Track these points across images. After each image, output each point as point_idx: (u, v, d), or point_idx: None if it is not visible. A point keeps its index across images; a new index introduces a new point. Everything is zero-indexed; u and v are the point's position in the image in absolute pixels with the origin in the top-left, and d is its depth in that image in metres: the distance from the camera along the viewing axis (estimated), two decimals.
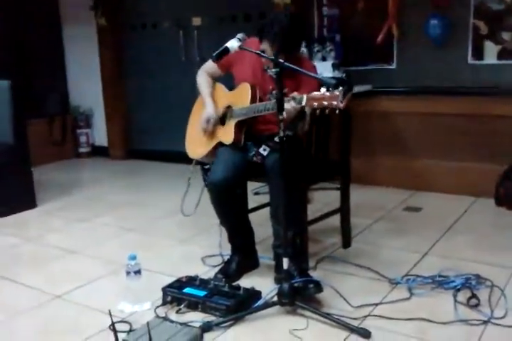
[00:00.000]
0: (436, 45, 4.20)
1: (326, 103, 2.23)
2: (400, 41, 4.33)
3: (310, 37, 4.55)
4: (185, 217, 3.05)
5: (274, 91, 2.69)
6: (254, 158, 2.73)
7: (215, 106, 2.89)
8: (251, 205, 3.25)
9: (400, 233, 3.43)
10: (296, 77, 2.59)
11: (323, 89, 2.25)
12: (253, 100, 2.70)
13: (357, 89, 4.27)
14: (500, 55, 4.05)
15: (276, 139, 2.43)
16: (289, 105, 2.36)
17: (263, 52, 2.59)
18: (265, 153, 2.69)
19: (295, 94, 2.38)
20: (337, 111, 2.24)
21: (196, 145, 2.99)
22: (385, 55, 4.42)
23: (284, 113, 2.33)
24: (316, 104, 2.26)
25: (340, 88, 2.21)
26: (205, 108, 2.89)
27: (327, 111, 2.25)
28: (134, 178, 5.20)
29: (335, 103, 2.20)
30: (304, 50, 4.45)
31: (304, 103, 2.31)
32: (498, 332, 2.25)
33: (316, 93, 2.26)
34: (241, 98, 2.75)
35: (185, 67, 5.24)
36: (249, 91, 2.71)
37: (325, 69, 4.28)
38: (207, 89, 2.95)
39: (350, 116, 3.10)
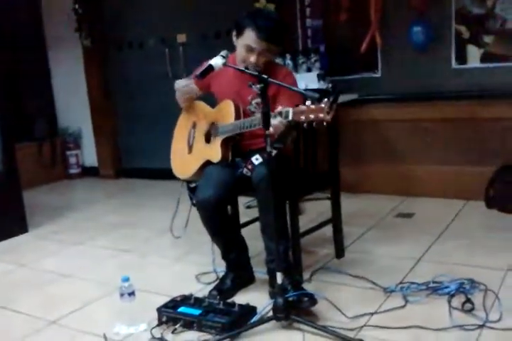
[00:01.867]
0: (420, 51, 4.23)
1: (312, 116, 2.22)
2: (383, 49, 4.36)
3: (294, 48, 4.58)
4: (175, 238, 3.07)
5: (253, 101, 2.72)
6: (245, 170, 2.70)
7: (190, 120, 2.94)
8: (243, 219, 3.26)
9: (392, 240, 3.44)
10: (274, 85, 2.56)
11: (308, 102, 2.25)
12: (237, 117, 2.70)
13: (343, 98, 4.29)
14: (484, 59, 4.08)
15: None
16: (276, 120, 2.34)
17: (247, 47, 2.62)
18: (257, 163, 2.64)
19: (280, 108, 2.36)
20: (324, 123, 2.25)
21: (183, 165, 2.98)
22: (370, 63, 4.46)
23: (271, 128, 2.33)
24: (303, 117, 2.25)
25: (325, 100, 2.21)
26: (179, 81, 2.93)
27: (314, 124, 2.25)
28: (126, 198, 5.20)
29: (321, 115, 2.20)
30: (289, 62, 4.49)
31: (290, 117, 2.30)
32: (493, 335, 2.25)
33: (302, 106, 2.26)
34: (225, 115, 2.75)
35: (172, 85, 5.20)
36: (233, 107, 2.71)
37: (310, 80, 4.29)
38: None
39: (336, 126, 3.11)
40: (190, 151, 2.96)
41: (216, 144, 2.76)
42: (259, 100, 2.57)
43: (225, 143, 2.73)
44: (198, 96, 3.01)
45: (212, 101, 2.94)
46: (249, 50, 2.64)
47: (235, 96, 2.77)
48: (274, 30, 2.63)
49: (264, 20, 2.62)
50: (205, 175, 2.77)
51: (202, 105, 2.99)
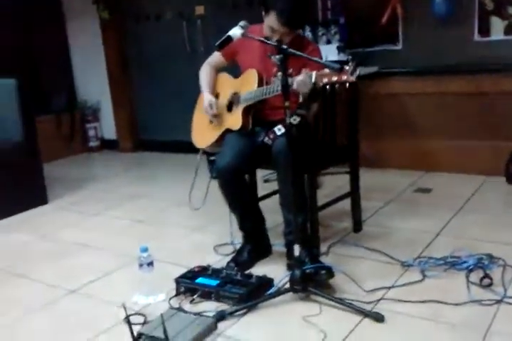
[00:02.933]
0: (442, 23, 4.15)
1: (335, 78, 2.24)
2: (404, 21, 4.29)
3: (314, 20, 4.51)
4: (194, 210, 3.09)
5: (278, 73, 2.70)
6: (266, 139, 2.69)
7: (214, 93, 2.91)
8: (261, 193, 3.26)
9: (410, 215, 3.42)
10: (301, 58, 2.55)
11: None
12: (260, 84, 2.71)
13: (363, 71, 4.22)
14: (507, 31, 3.99)
15: (293, 119, 2.43)
16: (300, 76, 2.36)
17: (270, 28, 2.59)
18: (279, 133, 2.62)
19: (304, 70, 2.37)
20: (347, 85, 2.24)
21: (203, 135, 2.99)
22: (391, 35, 4.38)
23: (295, 85, 2.36)
24: (326, 79, 2.27)
25: (350, 63, 2.22)
26: (203, 96, 2.93)
27: (337, 86, 2.25)
28: (144, 170, 5.23)
29: (345, 77, 2.22)
30: (308, 34, 4.43)
31: (313, 79, 2.30)
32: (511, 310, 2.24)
33: (325, 70, 2.26)
34: (248, 83, 2.76)
35: (191, 58, 5.22)
36: (256, 76, 2.72)
37: (330, 52, 4.24)
38: (205, 80, 2.97)
39: (357, 99, 3.08)
40: (211, 121, 2.96)
41: (237, 112, 2.77)
42: None
43: (246, 112, 2.74)
44: (222, 68, 3.00)
45: (236, 72, 2.93)
46: (273, 31, 2.62)
47: (260, 67, 2.76)
48: (296, 14, 2.59)
49: (286, 4, 2.57)
50: (225, 143, 2.79)
51: (225, 76, 3.01)
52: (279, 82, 2.42)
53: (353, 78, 2.21)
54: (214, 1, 5.12)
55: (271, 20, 2.60)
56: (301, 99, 2.53)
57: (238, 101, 2.81)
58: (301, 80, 2.36)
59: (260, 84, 2.70)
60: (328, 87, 2.30)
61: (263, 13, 2.67)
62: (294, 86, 2.38)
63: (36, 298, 2.70)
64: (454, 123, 4.20)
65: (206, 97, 2.91)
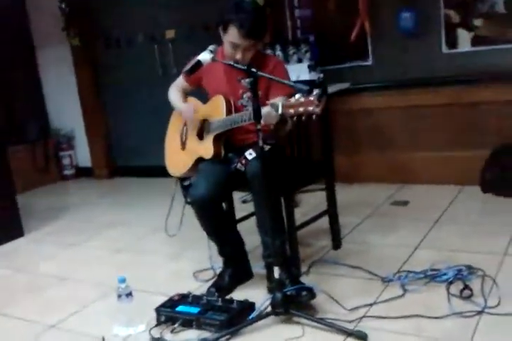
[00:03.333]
0: (410, 37, 4.21)
1: (302, 109, 2.20)
2: (373, 37, 4.34)
3: (284, 39, 4.55)
4: (170, 237, 3.07)
5: (245, 95, 2.70)
6: (239, 165, 2.68)
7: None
8: (239, 214, 3.24)
9: (389, 229, 3.43)
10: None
11: (298, 95, 2.22)
12: (228, 112, 2.68)
13: (335, 87, 4.27)
14: (474, 42, 4.06)
15: (265, 146, 2.45)
16: (264, 110, 2.34)
17: (232, 44, 2.58)
18: (250, 157, 2.62)
19: (271, 101, 2.35)
20: (314, 117, 2.22)
21: (176, 162, 2.97)
22: (361, 51, 4.43)
23: (262, 120, 2.33)
24: (292, 111, 2.23)
25: (315, 92, 2.20)
26: (181, 108, 2.89)
27: (303, 117, 2.23)
28: (120, 197, 5.17)
29: (311, 108, 2.18)
30: (279, 53, 4.46)
31: (280, 111, 2.27)
32: (493, 321, 2.25)
33: (291, 100, 2.23)
34: (216, 111, 2.73)
35: (163, 82, 5.13)
36: (224, 103, 2.69)
37: (301, 71, 4.26)
38: (177, 97, 2.95)
39: (327, 117, 3.09)
40: (183, 148, 2.94)
41: (208, 141, 2.74)
42: (249, 94, 2.57)
43: (217, 139, 2.72)
44: (189, 92, 3.00)
45: (204, 96, 2.93)
46: (235, 46, 2.60)
47: (226, 90, 2.74)
48: (257, 24, 2.57)
49: (245, 15, 2.55)
50: (199, 172, 2.76)
51: (194, 101, 2.97)
52: (249, 110, 2.42)
53: (318, 110, 2.17)
54: (184, 24, 5.14)
55: (231, 35, 2.58)
56: (272, 128, 2.51)
57: (208, 129, 2.77)
58: (268, 112, 2.33)
59: (229, 111, 2.67)
60: (295, 118, 2.26)
61: (221, 32, 2.65)
62: (262, 122, 2.35)
63: (16, 334, 2.65)
64: (428, 135, 4.24)
65: (183, 105, 2.88)
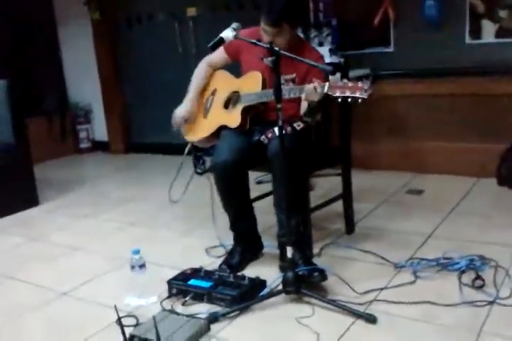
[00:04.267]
0: (433, 26, 4.16)
1: (348, 92, 2.22)
2: (396, 23, 4.30)
3: (306, 22, 4.52)
4: (173, 203, 3.11)
5: (282, 77, 2.69)
6: (263, 137, 2.68)
7: (209, 90, 2.94)
8: (254, 194, 3.22)
9: (403, 216, 3.42)
10: (304, 64, 2.53)
11: (345, 80, 2.25)
12: (264, 87, 2.70)
13: (355, 73, 4.25)
14: (498, 34, 4.02)
15: (297, 125, 2.51)
16: (311, 85, 2.35)
17: (263, 30, 2.60)
18: (278, 133, 2.58)
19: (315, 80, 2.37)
20: (359, 101, 2.24)
21: (195, 128, 2.99)
22: (383, 38, 4.39)
23: (304, 94, 2.37)
24: (338, 92, 2.25)
25: (365, 80, 2.23)
26: (186, 101, 2.95)
27: (349, 100, 2.24)
28: (134, 172, 5.21)
29: (358, 93, 2.20)
30: (300, 35, 4.43)
31: (326, 90, 2.29)
32: (503, 312, 2.25)
33: (339, 82, 2.26)
34: (251, 84, 2.75)
35: (183, 59, 5.22)
36: (261, 78, 2.72)
37: (322, 54, 4.23)
38: (197, 82, 2.98)
39: (348, 103, 3.07)
40: (205, 116, 2.96)
41: (236, 111, 2.77)
42: (287, 77, 2.64)
43: (245, 111, 2.74)
44: (224, 66, 3.00)
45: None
46: (265, 32, 2.63)
47: (264, 71, 2.74)
48: (279, 13, 2.57)
49: (271, 5, 2.59)
50: (223, 138, 2.78)
51: (225, 74, 2.99)
52: (286, 87, 2.43)
53: (365, 95, 2.20)
54: (206, 2, 5.12)
55: (262, 21, 2.61)
56: (303, 109, 2.52)
57: (238, 100, 2.80)
58: (313, 88, 2.33)
59: (264, 86, 2.70)
60: (339, 100, 2.27)
61: None
62: (303, 95, 2.38)
63: (28, 300, 2.68)
64: (446, 125, 4.21)
65: (184, 107, 2.95)
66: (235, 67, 2.97)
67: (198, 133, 2.94)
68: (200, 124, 2.96)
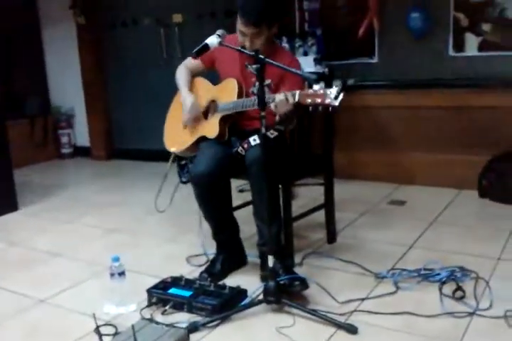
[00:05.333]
0: (418, 38, 4.21)
1: (319, 100, 2.22)
2: (381, 35, 4.34)
3: (291, 31, 4.54)
4: (160, 212, 3.06)
5: (257, 83, 2.69)
6: (240, 148, 2.67)
7: (194, 91, 2.89)
8: (236, 203, 3.23)
9: (384, 227, 3.44)
10: (279, 69, 2.51)
11: (316, 87, 2.25)
12: (240, 96, 2.69)
13: (337, 83, 4.26)
14: (481, 47, 4.07)
15: (270, 133, 2.50)
16: (280, 96, 2.35)
17: (240, 32, 2.60)
18: (254, 143, 2.61)
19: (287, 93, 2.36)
20: (330, 109, 2.25)
21: (176, 138, 2.96)
22: (367, 48, 4.43)
23: (272, 105, 2.35)
24: (309, 100, 2.25)
25: (335, 87, 2.22)
26: (184, 98, 2.87)
27: (320, 108, 2.24)
28: (116, 178, 5.17)
29: (328, 101, 2.20)
30: (285, 45, 4.46)
31: (296, 99, 2.30)
32: (483, 323, 2.26)
33: (309, 90, 2.26)
34: (227, 93, 2.74)
35: (167, 65, 5.21)
36: (236, 86, 2.70)
37: (307, 64, 4.26)
38: (184, 80, 2.93)
39: (328, 111, 3.08)
40: (185, 126, 2.94)
41: (215, 120, 2.75)
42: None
43: (223, 121, 2.72)
44: (200, 73, 2.98)
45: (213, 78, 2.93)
46: (242, 34, 2.62)
47: (239, 77, 2.75)
48: (258, 13, 2.57)
49: (250, 4, 2.58)
50: (201, 149, 2.76)
51: (203, 81, 2.97)
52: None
53: (336, 103, 2.19)
54: (192, 9, 5.12)
55: (239, 22, 2.61)
56: (277, 118, 2.51)
57: (216, 109, 2.78)
58: (282, 99, 2.33)
59: (240, 95, 2.69)
60: (310, 108, 2.27)
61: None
62: (272, 106, 2.36)
63: (6, 306, 2.64)
64: (429, 136, 4.25)
65: (188, 97, 2.85)
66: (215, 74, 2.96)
67: (179, 144, 2.91)
68: (181, 135, 2.93)
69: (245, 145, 2.65)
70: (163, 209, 3.06)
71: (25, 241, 3.52)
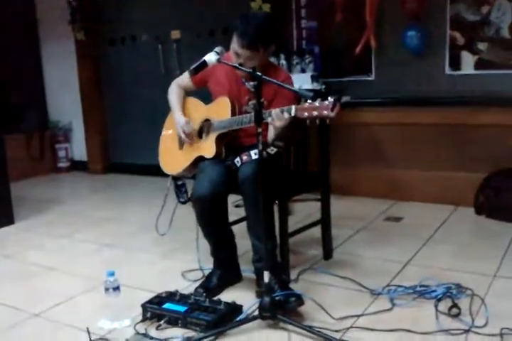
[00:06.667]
0: (414, 56, 4.24)
1: (316, 113, 2.22)
2: (377, 52, 4.37)
3: (289, 49, 4.58)
4: (160, 235, 3.07)
5: (250, 102, 2.70)
6: (237, 159, 2.67)
7: (185, 117, 2.88)
8: (231, 218, 3.22)
9: (381, 243, 3.43)
10: (272, 86, 2.53)
11: (310, 101, 2.24)
12: (233, 114, 2.68)
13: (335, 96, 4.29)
14: (477, 65, 4.10)
15: (270, 150, 2.52)
16: (278, 110, 2.35)
17: (235, 53, 2.60)
18: (254, 157, 2.58)
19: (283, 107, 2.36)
20: (327, 121, 2.26)
21: (173, 160, 2.95)
22: (364, 66, 4.46)
23: (270, 119, 2.36)
24: (306, 114, 2.25)
25: (330, 98, 2.21)
26: (176, 117, 2.87)
27: (318, 121, 2.25)
28: (113, 193, 5.17)
29: (325, 113, 2.20)
30: (283, 62, 4.49)
31: (293, 113, 2.30)
32: (479, 340, 2.24)
33: (305, 104, 2.26)
34: (220, 111, 2.73)
35: (165, 81, 5.14)
36: (229, 104, 2.69)
37: (304, 81, 4.29)
38: (176, 101, 2.93)
39: (328, 127, 3.10)
40: (181, 147, 2.93)
41: (210, 140, 2.74)
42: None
43: (219, 139, 2.72)
44: (192, 92, 2.99)
45: (205, 96, 2.92)
46: (237, 55, 2.63)
47: (232, 95, 2.74)
48: (256, 37, 2.56)
49: (246, 27, 2.56)
50: (201, 170, 2.75)
51: (195, 101, 2.96)
52: (253, 113, 2.43)
53: (333, 114, 2.19)
54: (191, 26, 5.16)
55: (234, 43, 2.60)
56: (271, 134, 2.52)
57: (210, 128, 2.77)
58: (279, 113, 2.34)
59: (233, 113, 2.67)
60: (308, 121, 2.28)
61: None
62: (269, 120, 2.36)
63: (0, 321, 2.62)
64: (425, 153, 4.27)
65: (179, 118, 2.86)
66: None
67: (176, 165, 2.90)
68: (177, 156, 2.92)
69: (244, 158, 2.64)
70: (164, 232, 3.07)
71: (20, 255, 3.51)
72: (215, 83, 2.84)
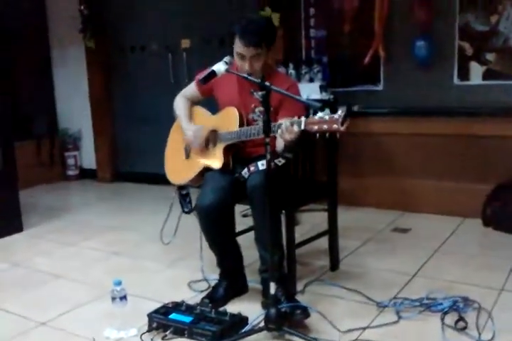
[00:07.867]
0: (423, 66, 4.23)
1: (326, 127, 2.22)
2: (386, 62, 4.37)
3: (297, 58, 4.59)
4: (165, 245, 3.08)
5: (257, 109, 2.71)
6: (245, 170, 2.66)
7: (193, 120, 2.90)
8: (239, 228, 3.22)
9: (388, 254, 3.42)
10: (279, 95, 2.51)
11: (321, 113, 2.24)
12: (241, 124, 2.68)
13: (344, 110, 4.29)
14: (486, 76, 4.09)
15: (278, 161, 2.52)
16: (287, 123, 2.33)
17: (239, 55, 2.61)
18: (262, 168, 2.57)
19: (294, 118, 2.35)
20: (338, 135, 2.26)
21: (178, 170, 2.96)
22: (372, 76, 4.45)
23: (279, 131, 2.34)
24: (315, 127, 2.25)
25: (340, 111, 2.21)
26: (184, 127, 2.88)
27: (327, 134, 2.25)
28: (121, 201, 5.19)
29: (335, 126, 2.19)
30: (292, 71, 4.50)
31: (302, 127, 2.29)
32: None
33: (315, 117, 2.26)
34: (228, 122, 2.72)
35: (174, 89, 5.13)
36: (237, 115, 2.69)
37: (312, 90, 4.29)
38: (184, 112, 2.94)
39: (336, 138, 3.10)
40: (187, 157, 2.94)
41: (218, 151, 2.74)
42: (261, 108, 2.55)
43: (226, 150, 2.72)
44: (199, 102, 3.00)
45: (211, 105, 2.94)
46: (241, 57, 2.63)
47: (238, 103, 2.75)
48: (258, 33, 2.58)
49: (247, 27, 2.58)
50: (206, 181, 2.75)
51: (202, 111, 2.97)
52: (261, 124, 2.43)
53: (343, 128, 2.19)
54: (200, 35, 5.18)
55: (237, 46, 2.61)
56: (280, 146, 2.51)
57: (218, 139, 2.77)
58: (288, 126, 2.32)
59: (241, 123, 2.67)
60: (317, 135, 2.28)
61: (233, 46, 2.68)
62: (278, 132, 2.35)
63: (7, 329, 2.63)
64: (433, 164, 4.25)
65: (188, 126, 2.87)
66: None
67: (182, 175, 2.90)
68: (183, 166, 2.92)
69: (252, 168, 2.64)
70: (168, 241, 3.08)
71: (28, 263, 3.53)
72: (221, 93, 2.85)
